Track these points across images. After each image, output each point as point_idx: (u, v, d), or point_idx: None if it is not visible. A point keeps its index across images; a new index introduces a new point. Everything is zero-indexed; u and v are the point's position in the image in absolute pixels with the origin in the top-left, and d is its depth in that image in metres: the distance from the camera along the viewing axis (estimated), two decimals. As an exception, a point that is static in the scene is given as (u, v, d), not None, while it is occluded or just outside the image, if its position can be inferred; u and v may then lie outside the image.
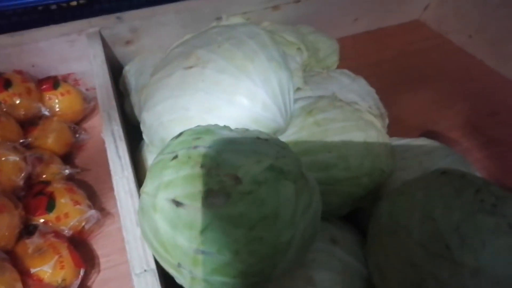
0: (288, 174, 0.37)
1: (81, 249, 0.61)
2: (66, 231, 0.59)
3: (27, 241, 0.55)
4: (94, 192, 0.71)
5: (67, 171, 0.68)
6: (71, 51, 0.78)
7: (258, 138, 0.41)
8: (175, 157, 0.38)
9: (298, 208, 0.37)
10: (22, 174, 0.60)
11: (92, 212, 0.62)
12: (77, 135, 0.77)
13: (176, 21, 0.81)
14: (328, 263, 0.46)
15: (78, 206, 0.61)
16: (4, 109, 0.69)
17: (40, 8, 0.80)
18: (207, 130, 0.41)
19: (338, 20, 1.06)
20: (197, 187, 0.35)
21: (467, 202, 0.39)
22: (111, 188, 0.52)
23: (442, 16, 1.14)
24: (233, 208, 0.34)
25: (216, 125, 0.44)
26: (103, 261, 0.63)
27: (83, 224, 0.61)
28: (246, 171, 0.36)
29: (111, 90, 0.65)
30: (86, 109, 0.81)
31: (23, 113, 0.71)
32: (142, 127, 0.57)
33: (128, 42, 0.82)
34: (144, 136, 0.58)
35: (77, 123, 0.81)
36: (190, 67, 0.50)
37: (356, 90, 0.69)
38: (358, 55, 1.05)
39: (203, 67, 0.49)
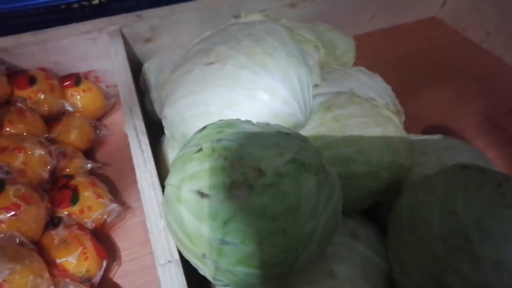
0: (309, 167, 0.37)
1: (103, 241, 0.63)
2: (89, 224, 0.60)
3: (53, 232, 0.56)
4: (115, 187, 0.73)
5: (89, 166, 0.69)
6: (92, 49, 0.80)
7: (279, 132, 0.42)
8: (200, 150, 0.39)
9: (319, 201, 0.37)
10: (48, 168, 0.62)
11: (114, 205, 0.63)
12: (98, 131, 0.79)
13: (195, 19, 0.82)
14: (348, 257, 0.46)
15: (100, 200, 0.62)
16: (30, 105, 0.71)
17: (62, 7, 0.81)
18: (230, 124, 0.42)
19: (355, 17, 1.06)
20: (221, 179, 0.36)
21: (488, 196, 0.39)
22: (132, 183, 0.53)
23: (459, 12, 1.13)
24: (256, 200, 0.35)
25: (238, 119, 0.45)
26: (124, 254, 0.64)
27: (105, 217, 0.63)
28: (269, 164, 0.36)
29: (132, 87, 0.66)
30: (107, 105, 0.83)
31: (47, 109, 0.73)
32: (163, 123, 0.58)
33: (148, 40, 0.83)
34: (165, 131, 0.59)
35: (97, 120, 0.82)
36: (211, 63, 0.51)
37: (373, 87, 0.69)
38: (374, 52, 1.04)
39: (223, 63, 0.50)
